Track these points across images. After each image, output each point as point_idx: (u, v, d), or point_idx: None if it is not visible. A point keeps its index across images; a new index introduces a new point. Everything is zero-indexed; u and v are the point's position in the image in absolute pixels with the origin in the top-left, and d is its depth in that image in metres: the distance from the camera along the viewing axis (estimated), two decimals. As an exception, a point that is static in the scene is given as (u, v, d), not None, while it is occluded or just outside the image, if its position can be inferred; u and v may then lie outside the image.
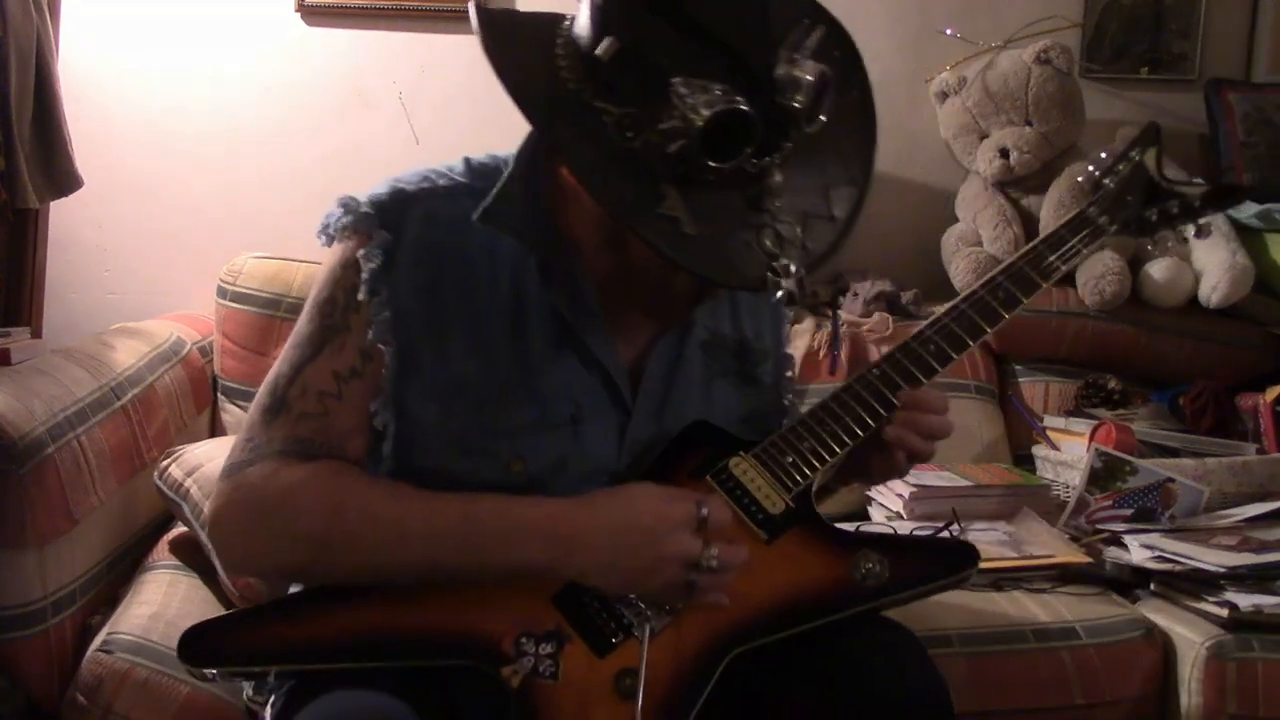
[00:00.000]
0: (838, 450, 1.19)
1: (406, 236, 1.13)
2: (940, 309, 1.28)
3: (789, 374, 1.37)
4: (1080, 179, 1.35)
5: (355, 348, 1.12)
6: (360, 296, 1.11)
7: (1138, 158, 1.35)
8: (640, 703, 1.05)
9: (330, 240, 1.18)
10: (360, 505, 1.08)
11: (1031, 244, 1.31)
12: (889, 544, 1.20)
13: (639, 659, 1.07)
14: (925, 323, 1.26)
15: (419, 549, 1.07)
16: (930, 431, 1.21)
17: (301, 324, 1.16)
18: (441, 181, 1.17)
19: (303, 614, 1.11)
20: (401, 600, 1.09)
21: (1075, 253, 1.30)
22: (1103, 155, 1.39)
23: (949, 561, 1.20)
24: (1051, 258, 1.29)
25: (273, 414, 1.12)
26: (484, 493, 1.10)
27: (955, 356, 1.24)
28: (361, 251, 1.12)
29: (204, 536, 1.67)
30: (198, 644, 1.08)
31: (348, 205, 1.15)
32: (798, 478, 1.17)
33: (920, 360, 1.23)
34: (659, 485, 1.12)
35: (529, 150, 1.17)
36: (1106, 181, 1.35)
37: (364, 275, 1.12)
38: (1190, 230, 1.37)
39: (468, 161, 1.20)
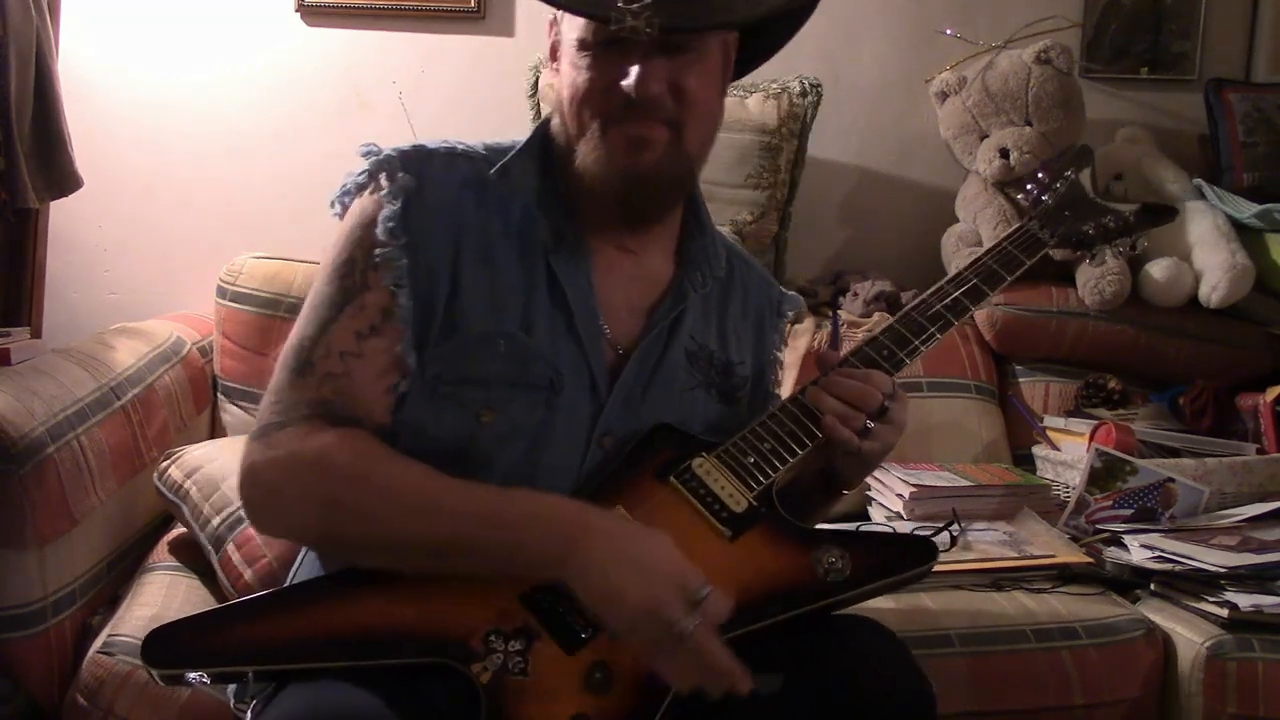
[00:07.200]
0: (798, 451, 1.21)
1: (427, 184, 1.20)
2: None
3: (773, 400, 1.39)
4: (1020, 196, 1.41)
5: (375, 305, 1.16)
6: (382, 236, 1.16)
7: (1073, 177, 1.40)
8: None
9: (345, 208, 1.23)
10: (386, 475, 1.11)
11: (977, 256, 1.35)
12: (851, 539, 1.21)
13: (609, 652, 1.08)
14: (880, 328, 1.29)
15: (447, 523, 1.08)
16: (846, 395, 1.20)
17: (320, 286, 1.19)
18: (460, 147, 1.25)
19: (271, 614, 1.11)
20: (371, 598, 1.10)
21: (1020, 264, 1.34)
22: (1040, 174, 1.44)
23: (909, 556, 1.22)
24: (998, 270, 1.33)
25: (299, 375, 1.15)
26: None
27: (908, 362, 1.26)
28: (384, 192, 1.18)
29: (203, 537, 1.67)
30: (162, 646, 1.07)
31: (371, 150, 1.22)
32: (760, 478, 1.19)
33: (873, 364, 1.25)
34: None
35: (544, 127, 1.25)
36: (1045, 198, 1.40)
37: (384, 214, 1.17)
38: (1126, 247, 1.42)
39: (483, 142, 1.27)
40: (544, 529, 1.07)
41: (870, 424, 1.20)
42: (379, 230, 1.16)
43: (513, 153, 1.25)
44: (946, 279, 1.32)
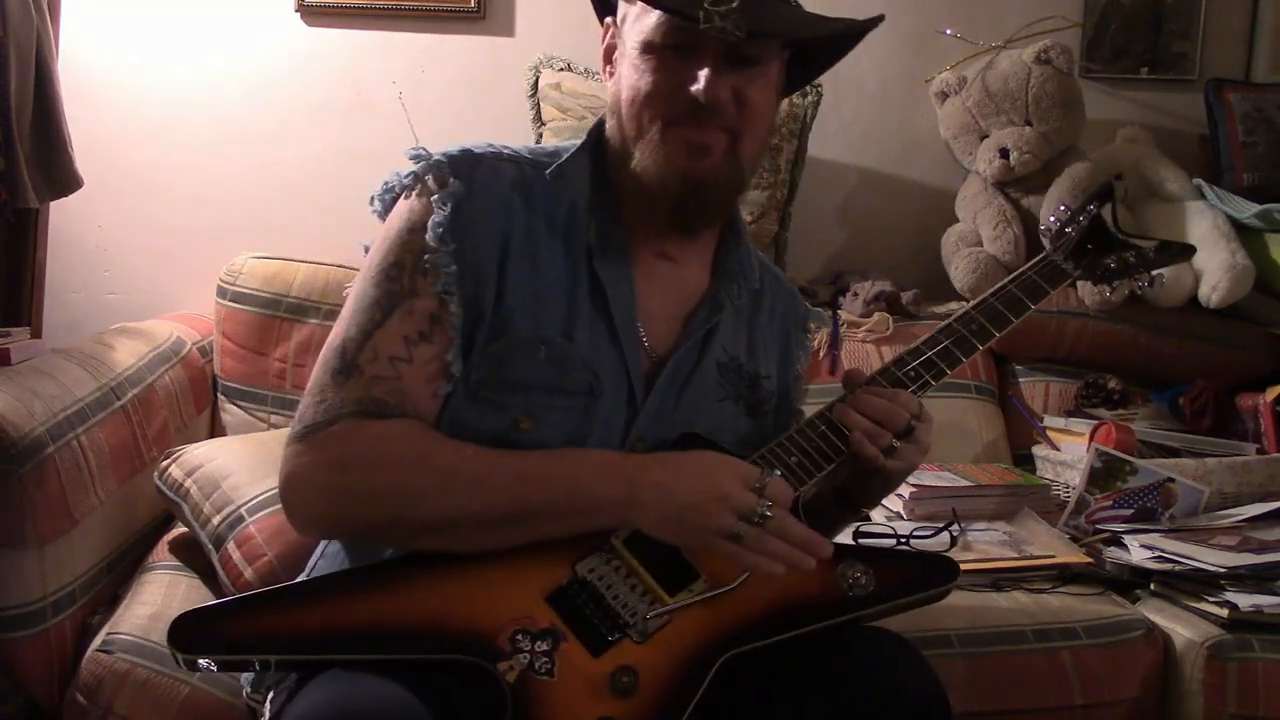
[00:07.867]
0: (825, 466, 1.22)
1: (475, 189, 1.19)
2: (925, 332, 1.32)
3: (796, 415, 1.40)
4: (1043, 228, 1.43)
5: (424, 311, 1.16)
6: (432, 242, 1.16)
7: (1095, 210, 1.42)
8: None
9: (385, 208, 1.23)
10: (444, 456, 1.12)
11: (1002, 283, 1.36)
12: (875, 556, 1.23)
13: (635, 655, 1.09)
14: (907, 349, 1.30)
15: (509, 491, 1.11)
16: (873, 413, 1.21)
17: (366, 288, 1.19)
18: (506, 151, 1.25)
19: (297, 604, 1.12)
20: (398, 593, 1.10)
21: (1044, 293, 1.36)
22: (1062, 207, 1.46)
23: (930, 575, 1.25)
24: (1022, 297, 1.34)
25: (344, 376, 1.15)
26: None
27: (934, 384, 1.28)
28: (434, 197, 1.18)
29: (203, 536, 1.67)
30: (189, 631, 1.07)
31: (420, 155, 1.21)
32: None
33: (899, 385, 1.26)
34: None
35: (596, 131, 1.28)
36: (1069, 230, 1.41)
37: (434, 219, 1.17)
38: (1144, 282, 1.44)
39: (525, 145, 1.28)
40: (600, 476, 1.12)
41: (896, 443, 1.21)
42: (429, 236, 1.16)
43: (568, 155, 1.25)
44: (972, 304, 1.34)
